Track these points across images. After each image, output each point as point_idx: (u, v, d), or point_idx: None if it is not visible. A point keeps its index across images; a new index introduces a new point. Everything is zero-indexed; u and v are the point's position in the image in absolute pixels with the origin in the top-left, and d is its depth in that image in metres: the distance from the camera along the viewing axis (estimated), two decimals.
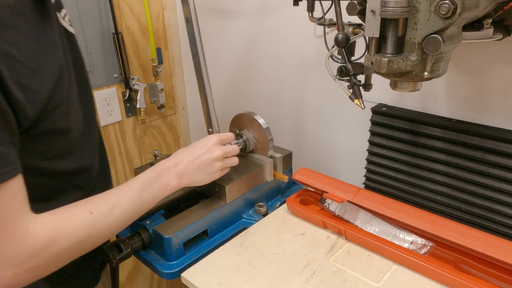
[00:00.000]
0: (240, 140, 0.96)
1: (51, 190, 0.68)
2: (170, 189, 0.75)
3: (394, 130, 0.91)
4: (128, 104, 1.38)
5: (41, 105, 0.57)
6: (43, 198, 0.62)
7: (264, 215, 0.93)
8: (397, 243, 0.78)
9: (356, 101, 0.73)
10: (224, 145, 0.84)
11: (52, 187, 0.68)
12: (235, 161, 0.86)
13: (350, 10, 0.62)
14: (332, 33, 0.73)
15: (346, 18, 0.69)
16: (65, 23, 0.71)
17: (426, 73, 0.57)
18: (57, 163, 0.67)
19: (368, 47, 0.68)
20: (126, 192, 0.70)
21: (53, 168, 0.67)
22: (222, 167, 0.81)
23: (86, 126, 0.74)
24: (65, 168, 0.69)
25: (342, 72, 0.74)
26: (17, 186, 0.56)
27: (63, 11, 0.72)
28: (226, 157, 0.83)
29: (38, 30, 0.58)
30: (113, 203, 0.68)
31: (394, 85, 0.65)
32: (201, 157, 0.78)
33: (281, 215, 0.92)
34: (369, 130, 0.95)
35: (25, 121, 0.56)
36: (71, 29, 0.73)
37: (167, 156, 0.82)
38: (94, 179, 0.77)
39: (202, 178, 0.80)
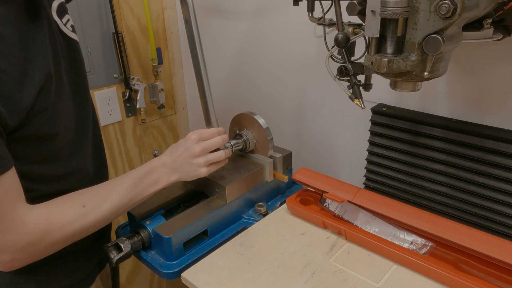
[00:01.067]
0: (240, 140, 0.96)
1: (36, 193, 0.68)
2: (161, 185, 0.79)
3: (394, 130, 0.91)
4: (128, 104, 1.38)
5: (23, 114, 0.58)
6: (28, 200, 0.62)
7: (264, 215, 0.93)
8: (397, 243, 0.78)
9: (356, 101, 0.73)
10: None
11: (37, 190, 0.69)
12: (220, 155, 0.83)
13: (350, 10, 0.62)
14: (332, 33, 0.73)
15: (346, 18, 0.69)
16: (66, 30, 0.71)
17: (426, 73, 0.57)
18: (42, 168, 0.68)
19: (368, 47, 0.68)
20: (118, 187, 0.73)
21: (37, 173, 0.67)
22: (206, 163, 0.80)
23: (79, 132, 0.74)
24: (50, 173, 0.70)
25: (342, 72, 0.74)
26: (11, 180, 0.58)
27: (66, 17, 0.72)
28: (210, 152, 0.82)
29: (25, 39, 0.59)
30: (105, 196, 0.71)
31: (394, 85, 0.65)
32: (182, 156, 0.80)
33: (281, 215, 0.92)
34: (369, 130, 0.95)
35: (5, 129, 0.56)
36: (73, 35, 0.73)
37: None
38: (86, 184, 0.77)
39: (188, 175, 0.80)
